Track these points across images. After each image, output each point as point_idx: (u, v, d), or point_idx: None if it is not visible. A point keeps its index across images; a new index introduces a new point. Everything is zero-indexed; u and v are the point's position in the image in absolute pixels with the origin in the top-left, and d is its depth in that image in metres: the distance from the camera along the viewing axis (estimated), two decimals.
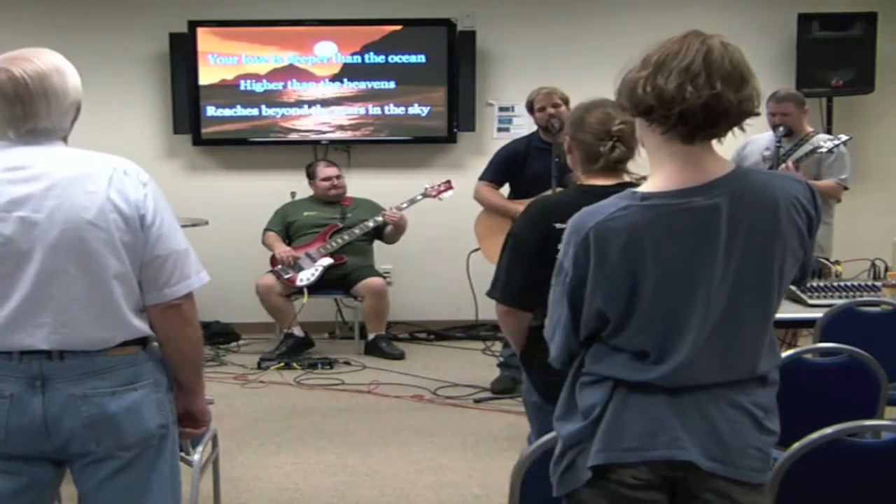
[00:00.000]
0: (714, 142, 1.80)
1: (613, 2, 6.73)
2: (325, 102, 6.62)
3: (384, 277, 6.25)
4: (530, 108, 5.10)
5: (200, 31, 6.50)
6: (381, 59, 6.59)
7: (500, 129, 6.73)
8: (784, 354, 2.30)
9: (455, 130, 6.67)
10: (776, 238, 1.77)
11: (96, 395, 2.04)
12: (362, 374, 5.68)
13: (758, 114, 1.82)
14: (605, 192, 2.58)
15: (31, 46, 2.12)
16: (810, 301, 3.82)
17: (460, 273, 5.95)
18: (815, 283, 3.99)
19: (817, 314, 3.54)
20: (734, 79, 1.72)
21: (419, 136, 6.69)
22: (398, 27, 6.59)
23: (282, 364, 5.80)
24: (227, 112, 6.60)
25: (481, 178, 5.30)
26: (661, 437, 1.78)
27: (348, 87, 6.62)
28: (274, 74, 6.59)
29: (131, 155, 2.24)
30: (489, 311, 2.82)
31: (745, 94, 1.74)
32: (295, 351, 6.02)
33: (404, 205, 6.06)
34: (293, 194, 6.50)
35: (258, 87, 6.59)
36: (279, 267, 6.06)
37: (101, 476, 2.10)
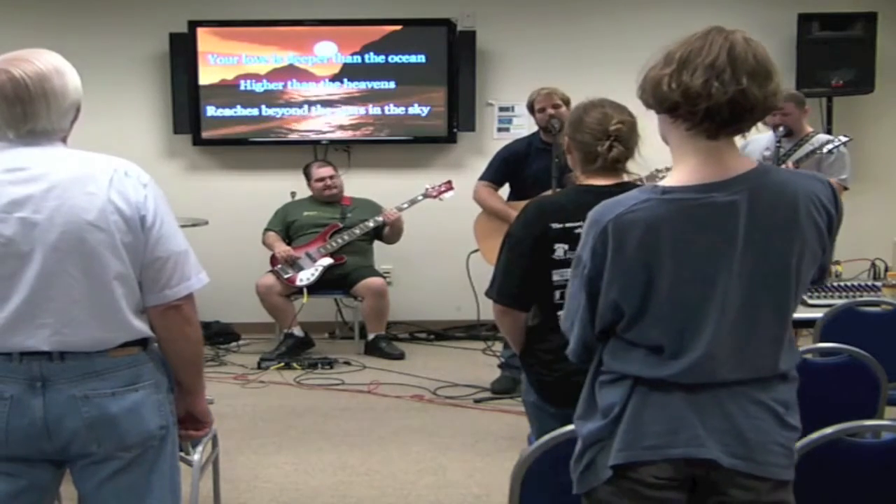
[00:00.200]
0: None
1: (613, 2, 6.73)
2: (325, 102, 6.62)
3: (384, 277, 6.25)
4: (531, 108, 5.11)
5: (200, 31, 6.50)
6: (381, 59, 6.59)
7: (500, 129, 6.73)
8: None
9: (455, 130, 6.66)
10: (795, 236, 1.77)
11: (97, 396, 2.04)
12: (362, 374, 5.68)
13: (781, 108, 1.83)
14: (602, 193, 2.59)
15: (31, 46, 2.12)
16: (810, 301, 3.83)
17: (460, 273, 5.94)
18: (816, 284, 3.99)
19: (817, 314, 3.54)
20: (759, 74, 1.73)
21: (419, 136, 6.69)
22: (398, 27, 6.59)
23: (282, 364, 5.80)
24: (227, 112, 6.60)
25: (481, 179, 5.30)
26: (682, 436, 1.78)
27: (348, 87, 6.61)
28: (274, 74, 6.59)
29: (131, 155, 2.25)
30: (490, 311, 2.82)
31: (770, 89, 1.74)
32: (295, 351, 6.02)
33: (405, 205, 6.06)
34: (293, 194, 6.50)
35: (258, 87, 6.59)
36: (279, 267, 6.06)
37: (101, 477, 2.10)
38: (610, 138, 2.60)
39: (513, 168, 5.17)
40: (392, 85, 6.61)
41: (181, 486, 2.28)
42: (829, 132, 6.01)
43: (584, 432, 1.89)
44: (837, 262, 4.42)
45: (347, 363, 5.88)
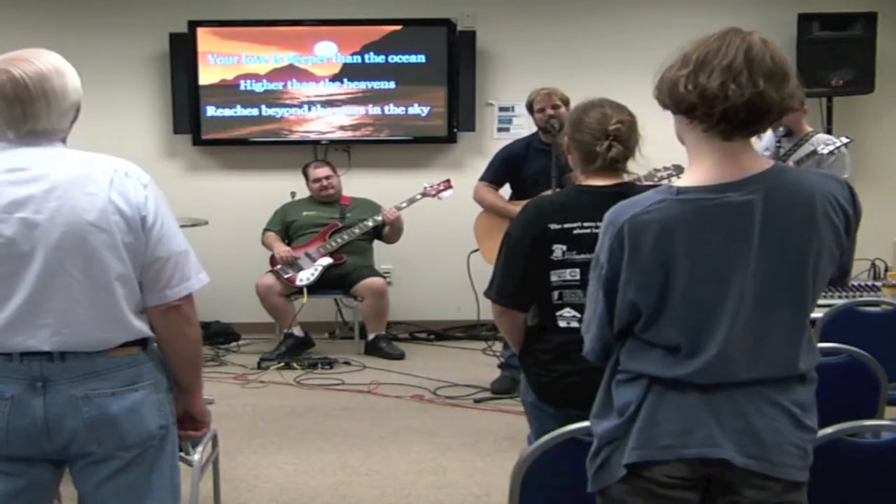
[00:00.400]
0: None
1: (613, 1, 6.73)
2: (325, 102, 6.62)
3: (384, 277, 6.25)
4: (530, 108, 5.11)
5: (200, 31, 6.50)
6: (381, 59, 6.59)
7: (500, 129, 6.73)
8: None
9: (455, 130, 6.66)
10: (811, 235, 1.77)
11: (97, 396, 2.04)
12: (362, 374, 5.68)
13: (796, 109, 1.84)
14: (601, 193, 2.61)
15: (31, 46, 2.12)
16: None
17: (460, 273, 5.95)
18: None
19: (817, 314, 3.53)
20: (776, 76, 1.73)
21: (419, 136, 6.69)
22: (398, 27, 6.59)
23: (282, 364, 5.80)
24: (227, 112, 6.60)
25: (481, 179, 5.30)
26: (696, 435, 1.79)
27: (348, 87, 6.61)
28: (274, 74, 6.59)
29: (131, 155, 2.25)
30: (490, 311, 2.82)
31: (787, 90, 1.75)
32: (295, 351, 6.02)
33: (404, 204, 6.06)
34: (293, 194, 6.50)
35: (258, 87, 6.59)
36: (279, 267, 6.06)
37: (101, 476, 2.10)
38: (609, 138, 2.60)
39: (512, 168, 5.17)
40: (392, 85, 6.61)
41: (181, 485, 2.28)
42: (829, 132, 6.01)
43: (599, 431, 1.89)
44: None
45: (347, 363, 5.88)
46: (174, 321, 2.12)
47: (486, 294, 2.78)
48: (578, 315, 2.62)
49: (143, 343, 2.13)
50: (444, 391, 5.26)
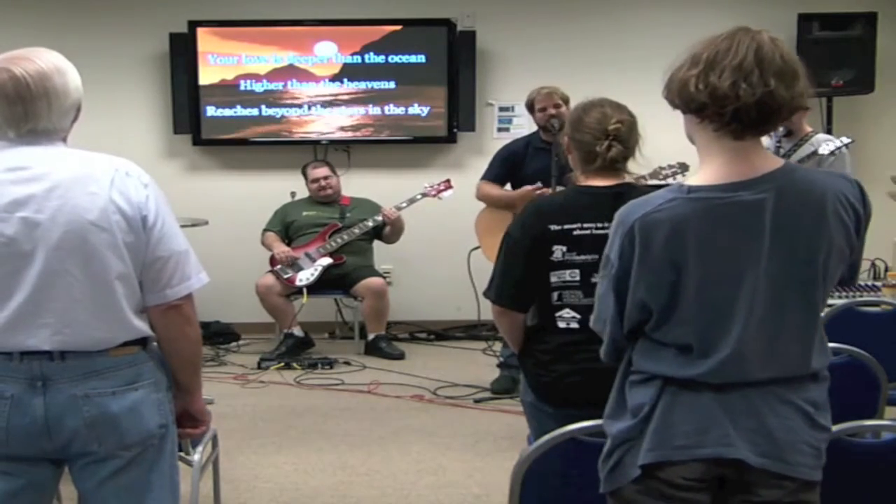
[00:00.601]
0: None
1: (613, 2, 6.73)
2: (325, 102, 6.62)
3: (384, 277, 6.25)
4: (530, 107, 5.10)
5: (200, 31, 6.50)
6: (381, 59, 6.59)
7: (500, 129, 6.73)
8: None
9: (455, 130, 6.66)
10: (822, 234, 1.78)
11: (97, 396, 2.04)
12: (362, 374, 5.68)
13: (807, 107, 1.84)
14: (601, 194, 2.61)
15: (31, 46, 2.12)
16: None
17: (460, 273, 5.95)
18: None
19: None
20: (787, 74, 1.73)
21: (419, 136, 6.69)
22: (398, 27, 6.59)
23: (282, 364, 5.80)
24: (227, 112, 6.60)
25: (482, 179, 5.30)
26: (711, 435, 1.79)
27: (348, 87, 6.61)
28: (274, 74, 6.59)
29: (131, 155, 2.25)
30: (490, 311, 2.82)
31: (797, 89, 1.75)
32: (295, 351, 6.02)
33: (404, 204, 6.06)
34: (293, 194, 6.50)
35: (258, 87, 6.59)
36: (278, 267, 6.06)
37: (101, 476, 2.10)
38: (609, 137, 2.60)
39: (513, 167, 5.17)
40: (392, 85, 6.61)
41: (180, 485, 2.28)
42: (829, 132, 6.00)
43: (613, 431, 1.89)
44: None
45: (347, 363, 5.88)
46: (174, 321, 2.13)
47: (486, 294, 2.78)
48: (578, 316, 2.62)
49: (142, 342, 2.13)
50: (444, 391, 5.26)
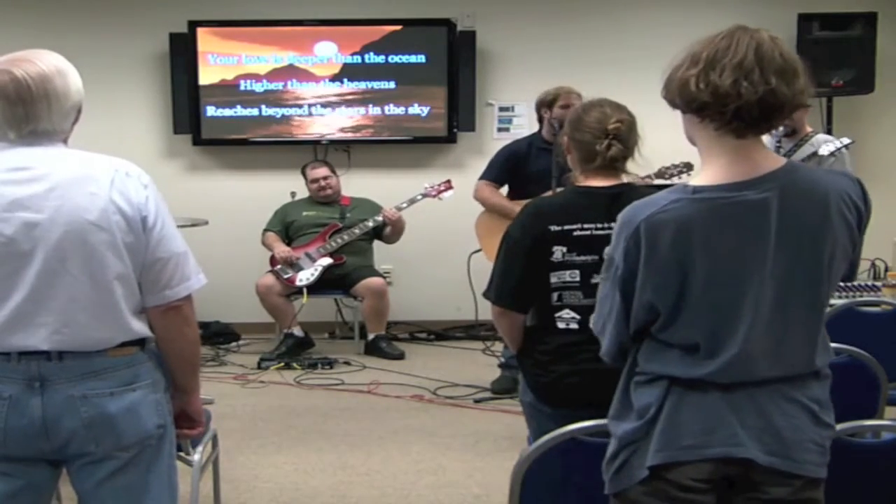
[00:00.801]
0: None
1: (613, 1, 6.73)
2: (325, 102, 6.62)
3: (384, 277, 6.25)
4: (549, 104, 5.00)
5: (200, 31, 6.50)
6: (381, 59, 6.59)
7: (500, 129, 6.73)
8: None
9: (455, 130, 6.66)
10: (827, 232, 1.78)
11: (95, 396, 2.04)
12: (362, 374, 5.68)
13: (807, 105, 1.84)
14: (600, 195, 2.61)
15: (31, 47, 2.12)
16: None
17: (460, 273, 5.94)
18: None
19: None
20: (787, 72, 1.73)
21: (419, 136, 6.68)
22: (398, 27, 6.59)
23: (282, 364, 5.80)
24: (227, 112, 6.60)
25: (482, 178, 5.29)
26: (719, 435, 1.79)
27: (348, 87, 6.61)
28: (274, 74, 6.59)
29: (131, 155, 2.25)
30: (489, 311, 2.82)
31: (798, 87, 1.75)
32: (295, 351, 6.02)
33: (404, 204, 6.06)
34: (293, 194, 6.50)
35: (258, 87, 6.59)
36: (279, 267, 6.06)
37: (99, 476, 2.10)
38: (609, 137, 2.60)
39: (515, 167, 5.16)
40: (392, 85, 6.61)
41: (178, 485, 2.28)
42: (829, 132, 6.00)
43: (619, 433, 1.88)
44: None
45: (347, 363, 5.88)
46: (173, 321, 2.13)
47: (486, 295, 2.77)
48: (578, 317, 2.62)
49: (141, 343, 2.13)
50: (444, 391, 5.26)
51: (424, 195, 6.07)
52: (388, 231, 6.14)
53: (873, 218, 1.92)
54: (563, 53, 6.59)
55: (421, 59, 6.59)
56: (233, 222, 6.51)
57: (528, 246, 2.64)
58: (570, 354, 2.62)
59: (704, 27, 1.88)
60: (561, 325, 2.66)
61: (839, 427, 2.04)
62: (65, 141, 2.14)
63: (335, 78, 6.60)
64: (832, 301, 3.72)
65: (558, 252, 2.62)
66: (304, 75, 6.60)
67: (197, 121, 6.57)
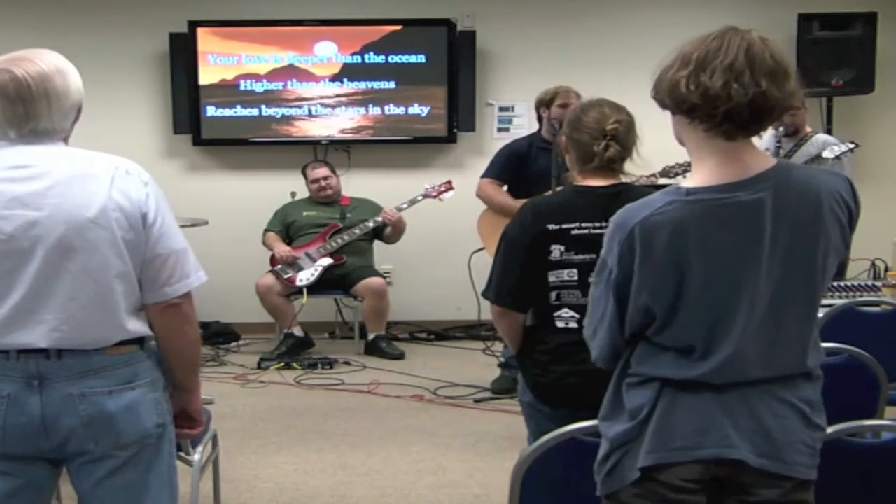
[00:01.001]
0: None
1: (613, 1, 6.73)
2: (325, 103, 6.62)
3: (384, 277, 6.25)
4: (547, 103, 5.01)
5: (200, 31, 6.50)
6: (381, 59, 6.59)
7: (500, 129, 6.73)
8: None
9: (455, 130, 6.66)
10: (820, 232, 1.78)
11: (94, 395, 2.04)
12: (362, 374, 5.68)
13: (797, 107, 1.84)
14: (598, 194, 2.61)
15: (31, 46, 2.13)
16: None
17: (460, 273, 5.94)
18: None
19: (817, 314, 3.53)
20: (778, 74, 1.73)
21: (419, 136, 6.68)
22: (398, 27, 6.59)
23: (282, 364, 5.80)
24: (227, 112, 6.60)
25: (484, 176, 5.28)
26: (712, 436, 1.78)
27: (348, 87, 6.61)
28: (274, 74, 6.59)
29: (131, 155, 2.25)
30: (490, 311, 2.82)
31: (788, 88, 1.74)
32: (295, 351, 6.02)
33: (404, 205, 6.06)
34: (293, 194, 6.50)
35: (258, 87, 6.59)
36: (279, 267, 6.06)
37: (98, 475, 2.10)
38: (606, 137, 2.60)
39: (517, 165, 5.15)
40: (392, 85, 6.61)
41: (178, 484, 2.28)
42: (829, 132, 6.01)
43: (610, 434, 1.88)
44: None
45: (347, 363, 5.88)
46: (173, 319, 2.13)
47: (485, 295, 2.77)
48: (577, 316, 2.62)
49: (140, 341, 2.13)
50: (444, 391, 5.26)
51: (425, 196, 6.07)
52: (389, 231, 6.14)
53: (874, 218, 1.92)
54: (563, 53, 6.59)
55: (421, 59, 6.59)
56: (233, 222, 6.51)
57: (527, 245, 2.63)
58: (570, 354, 2.62)
59: (704, 27, 1.87)
60: (560, 325, 2.66)
61: (839, 427, 2.04)
62: (65, 140, 2.14)
63: (335, 78, 6.60)
64: (832, 301, 3.74)
65: (556, 251, 2.62)
66: (304, 75, 6.60)
67: (197, 121, 6.57)
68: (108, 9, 6.59)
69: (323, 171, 6.30)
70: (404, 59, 6.59)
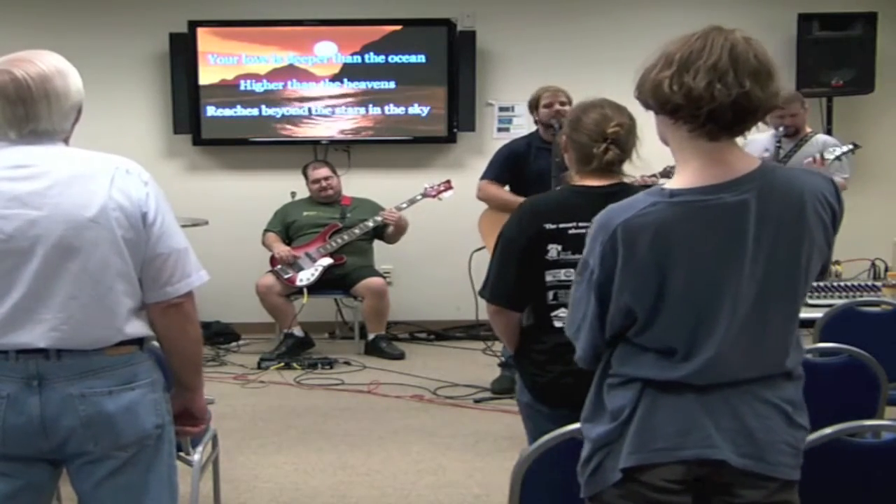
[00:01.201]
0: None
1: (613, 1, 6.73)
2: (326, 103, 6.62)
3: (384, 277, 6.25)
4: (535, 105, 5.06)
5: (200, 31, 6.51)
6: (381, 59, 6.59)
7: (500, 129, 6.73)
8: None
9: (455, 130, 6.67)
10: (803, 233, 1.77)
11: (93, 395, 2.04)
12: (362, 374, 5.69)
13: (783, 108, 1.83)
14: (596, 194, 2.60)
15: (31, 47, 2.12)
16: (810, 301, 3.82)
17: (460, 273, 5.94)
18: (815, 283, 3.99)
19: (817, 314, 3.53)
20: (761, 74, 1.72)
21: (419, 136, 6.69)
22: (398, 27, 6.59)
23: (282, 364, 5.80)
24: (227, 112, 6.60)
25: (484, 177, 5.28)
26: (693, 436, 1.78)
27: (348, 87, 6.62)
28: (274, 74, 6.59)
29: (131, 155, 2.25)
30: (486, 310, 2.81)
31: (772, 89, 1.74)
32: (295, 351, 6.02)
33: (404, 205, 6.06)
34: (293, 194, 6.50)
35: (258, 87, 6.60)
36: (279, 267, 6.06)
37: (98, 476, 2.10)
38: (606, 141, 2.59)
39: (515, 165, 5.15)
40: (392, 85, 6.61)
41: (178, 484, 2.28)
42: (829, 132, 6.01)
43: (592, 435, 1.87)
44: (837, 262, 4.42)
45: (347, 363, 5.88)
46: (175, 319, 2.12)
47: (481, 294, 2.76)
48: None
49: (139, 342, 2.13)
50: (444, 391, 5.26)
51: (424, 195, 6.07)
52: (391, 231, 6.14)
53: (874, 218, 1.92)
54: (563, 53, 6.59)
55: (421, 59, 6.60)
56: (233, 222, 6.51)
57: (524, 244, 2.63)
58: (568, 354, 2.61)
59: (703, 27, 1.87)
60: (557, 324, 2.65)
61: (839, 427, 2.04)
62: (65, 141, 2.14)
63: (335, 78, 6.60)
64: (832, 301, 3.74)
65: (553, 250, 2.61)
66: (304, 75, 6.60)
67: (197, 121, 6.57)
68: (108, 9, 6.59)
69: (324, 172, 6.31)
70: (404, 59, 6.59)
